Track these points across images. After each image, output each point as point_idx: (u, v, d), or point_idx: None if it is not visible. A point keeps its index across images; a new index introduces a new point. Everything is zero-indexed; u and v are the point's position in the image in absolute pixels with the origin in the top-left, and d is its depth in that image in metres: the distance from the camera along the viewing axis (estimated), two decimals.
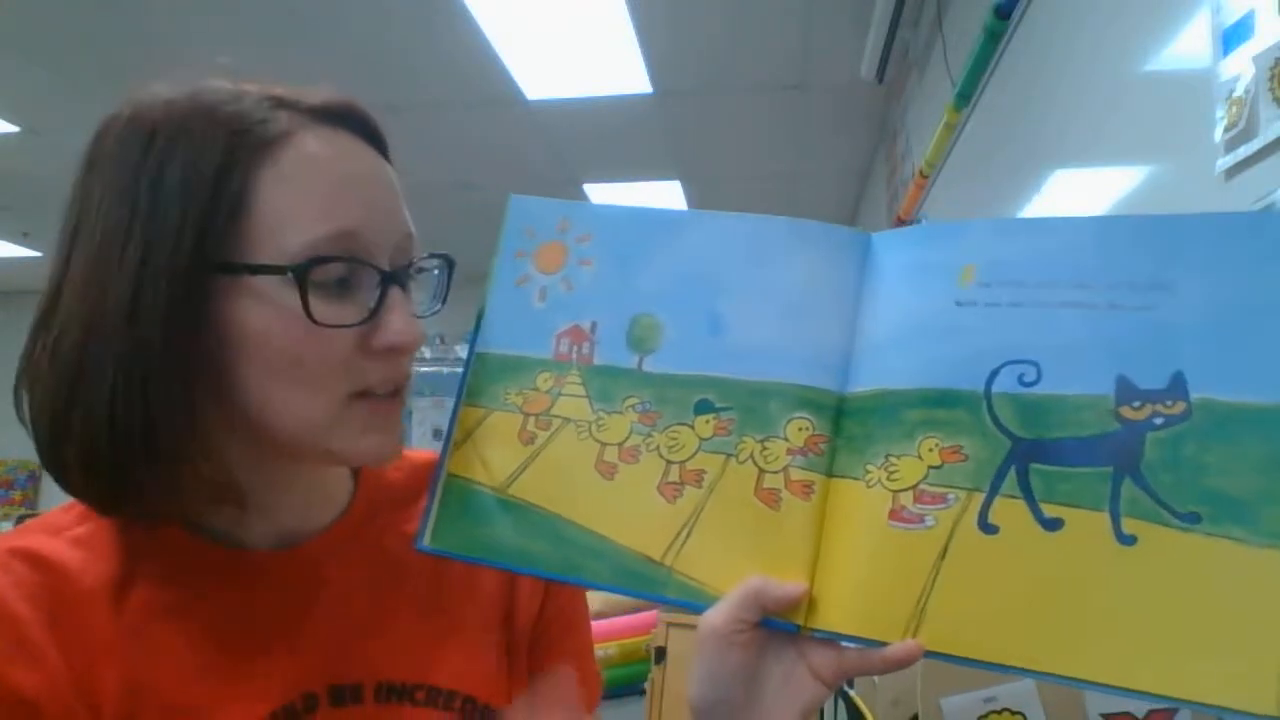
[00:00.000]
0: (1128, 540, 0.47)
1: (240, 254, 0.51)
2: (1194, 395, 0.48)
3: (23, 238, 5.81)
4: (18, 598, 0.52)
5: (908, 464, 0.52)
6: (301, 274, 0.51)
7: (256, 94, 0.54)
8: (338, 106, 0.56)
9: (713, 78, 3.63)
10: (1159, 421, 0.48)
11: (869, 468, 0.53)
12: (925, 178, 2.76)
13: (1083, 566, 0.48)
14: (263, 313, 0.51)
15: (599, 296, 0.61)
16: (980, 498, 0.50)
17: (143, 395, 0.50)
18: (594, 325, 0.61)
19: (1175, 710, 0.77)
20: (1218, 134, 1.00)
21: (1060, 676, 0.47)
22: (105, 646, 0.53)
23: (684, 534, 0.55)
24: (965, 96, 2.23)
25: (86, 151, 0.54)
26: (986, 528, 0.50)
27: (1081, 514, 0.49)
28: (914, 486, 0.52)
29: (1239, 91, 0.96)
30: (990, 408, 0.51)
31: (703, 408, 0.57)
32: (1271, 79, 0.90)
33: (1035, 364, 0.51)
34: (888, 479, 0.52)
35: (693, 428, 0.57)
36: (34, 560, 0.54)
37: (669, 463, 0.57)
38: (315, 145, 0.53)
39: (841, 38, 3.22)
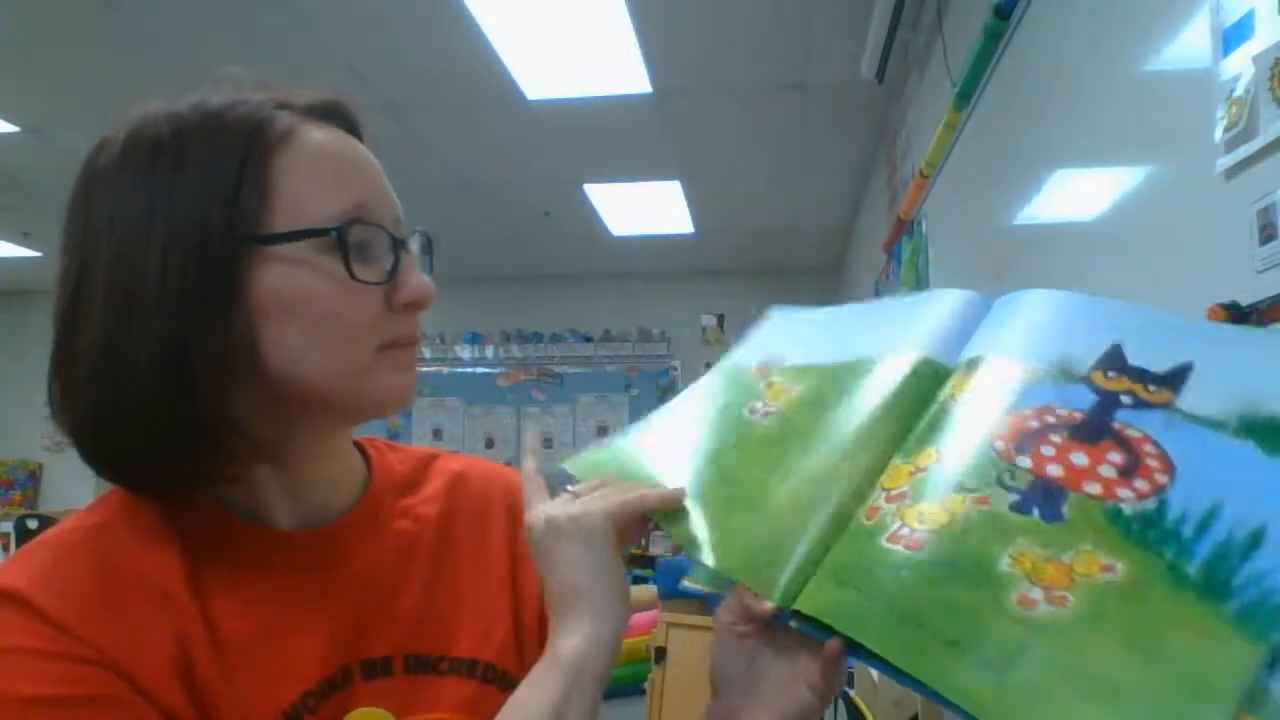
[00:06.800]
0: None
1: (269, 229, 0.56)
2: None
3: (23, 238, 5.81)
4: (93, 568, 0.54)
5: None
6: (343, 235, 0.57)
7: (258, 98, 0.59)
8: (329, 104, 0.62)
9: (713, 78, 3.63)
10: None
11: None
12: (925, 178, 2.76)
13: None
14: (300, 276, 0.56)
15: None
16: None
17: (180, 369, 0.54)
18: None
19: None
20: (1218, 134, 1.00)
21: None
22: (179, 621, 0.55)
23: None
24: (965, 96, 2.23)
25: (80, 177, 0.58)
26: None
27: None
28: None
29: (1239, 91, 0.96)
30: None
31: None
32: (1271, 79, 0.90)
33: None
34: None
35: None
36: (102, 552, 0.56)
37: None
38: (320, 135, 0.60)
39: (841, 38, 3.22)
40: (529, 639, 0.69)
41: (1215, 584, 0.40)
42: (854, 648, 0.49)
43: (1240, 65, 0.96)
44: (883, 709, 1.10)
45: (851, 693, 1.35)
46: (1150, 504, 0.44)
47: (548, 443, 7.03)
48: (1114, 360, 0.50)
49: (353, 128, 0.63)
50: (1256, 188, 0.94)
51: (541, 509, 0.58)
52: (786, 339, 0.69)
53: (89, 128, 0.60)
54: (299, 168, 0.57)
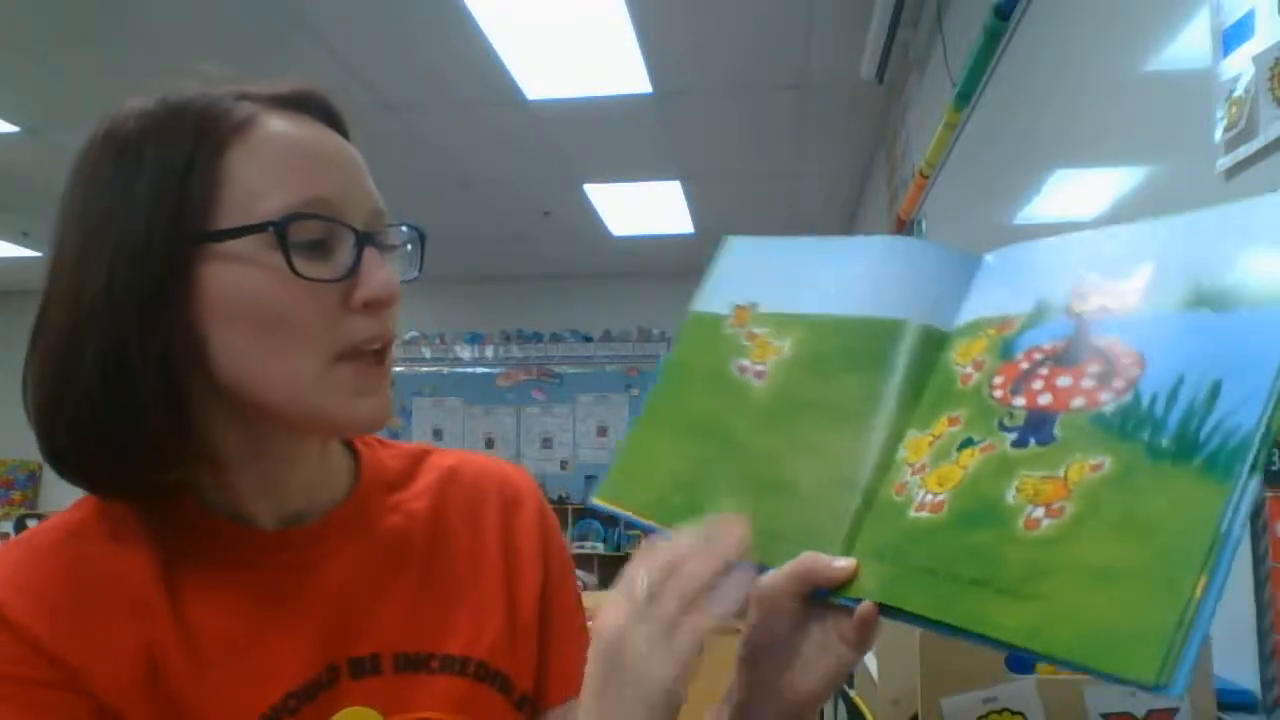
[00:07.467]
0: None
1: (216, 225, 0.54)
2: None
3: (23, 238, 5.81)
4: (69, 581, 0.54)
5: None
6: (282, 230, 0.53)
7: (220, 90, 0.57)
8: (299, 94, 0.59)
9: (713, 78, 3.63)
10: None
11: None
12: (925, 178, 2.76)
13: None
14: (246, 274, 0.54)
15: None
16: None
17: (125, 373, 0.53)
18: None
19: (1175, 710, 0.77)
20: (1218, 134, 1.00)
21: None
22: (151, 628, 0.55)
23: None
24: (965, 96, 2.23)
25: (69, 173, 0.57)
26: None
27: None
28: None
29: (1239, 91, 0.96)
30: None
31: None
32: (1271, 79, 0.91)
33: None
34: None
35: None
36: (78, 560, 0.55)
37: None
38: (281, 125, 0.56)
39: (841, 38, 3.23)
40: (524, 637, 0.68)
41: (1186, 446, 0.43)
42: (888, 610, 0.50)
43: (1240, 65, 0.96)
44: (882, 708, 1.10)
45: (851, 692, 1.35)
46: (1127, 397, 0.46)
47: (547, 443, 7.04)
48: (1087, 284, 0.52)
49: (330, 117, 0.60)
50: (1256, 188, 0.94)
51: (629, 628, 0.48)
52: (755, 276, 0.68)
53: (89, 128, 0.59)
54: (253, 159, 0.55)
